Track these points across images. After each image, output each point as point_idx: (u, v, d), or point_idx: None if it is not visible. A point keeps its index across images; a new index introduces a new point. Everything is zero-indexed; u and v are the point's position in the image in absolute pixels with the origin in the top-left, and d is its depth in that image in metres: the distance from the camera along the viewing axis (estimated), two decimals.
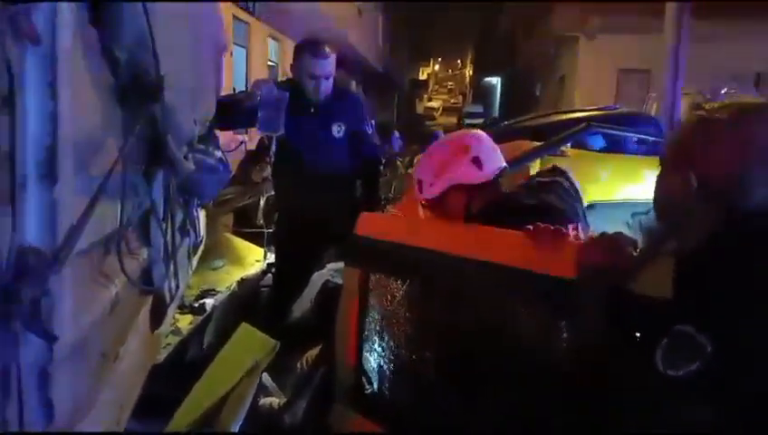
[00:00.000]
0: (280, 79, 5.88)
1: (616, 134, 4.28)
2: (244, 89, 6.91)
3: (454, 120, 36.02)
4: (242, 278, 3.35)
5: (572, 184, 1.75)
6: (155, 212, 1.32)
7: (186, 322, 3.14)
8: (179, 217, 1.61)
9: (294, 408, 1.93)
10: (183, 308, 3.22)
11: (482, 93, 40.21)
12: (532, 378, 1.31)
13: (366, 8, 20.77)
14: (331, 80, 2.65)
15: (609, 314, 1.06)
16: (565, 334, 1.25)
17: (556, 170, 1.80)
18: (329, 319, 1.86)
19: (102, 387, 1.07)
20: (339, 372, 1.75)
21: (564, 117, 5.69)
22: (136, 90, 0.99)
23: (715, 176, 0.94)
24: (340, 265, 2.87)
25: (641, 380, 0.91)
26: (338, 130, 2.71)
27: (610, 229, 1.19)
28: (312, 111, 2.65)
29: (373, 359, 1.69)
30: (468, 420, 1.47)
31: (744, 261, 0.89)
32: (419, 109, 42.83)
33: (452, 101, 56.53)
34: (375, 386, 1.69)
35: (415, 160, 5.45)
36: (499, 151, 1.73)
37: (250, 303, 3.04)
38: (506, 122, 6.67)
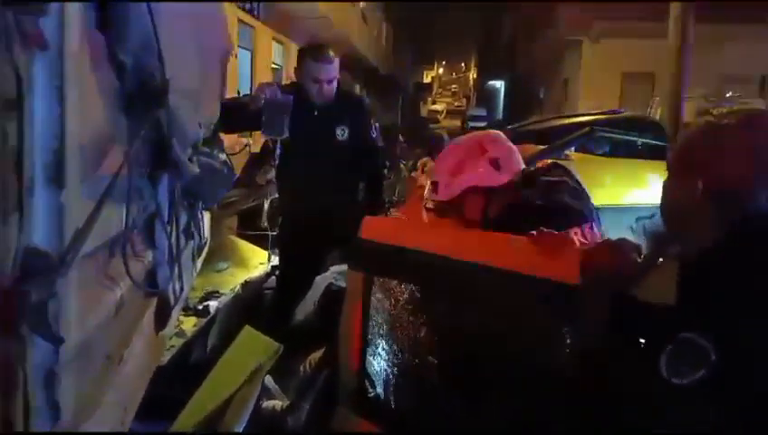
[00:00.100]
0: (284, 82, 5.90)
1: (620, 138, 4.28)
2: (248, 92, 6.94)
3: (458, 123, 36.00)
4: (246, 281, 3.35)
5: (578, 182, 1.73)
6: (160, 215, 1.32)
7: (190, 324, 3.14)
8: (184, 219, 1.62)
9: (297, 411, 1.93)
10: (187, 310, 3.22)
11: (485, 96, 40.21)
12: (536, 383, 1.31)
13: (370, 13, 20.81)
14: (335, 83, 2.65)
15: (613, 320, 1.06)
16: (568, 340, 1.25)
17: (558, 168, 1.77)
18: (332, 322, 1.86)
19: (107, 389, 1.07)
20: (342, 375, 1.75)
21: (568, 121, 5.70)
22: (142, 94, 1.00)
23: (722, 182, 0.94)
24: (344, 267, 2.88)
25: (645, 386, 0.90)
26: (342, 134, 2.72)
27: (615, 234, 1.19)
28: (316, 114, 2.66)
29: (376, 362, 1.69)
30: (471, 424, 1.47)
31: (750, 268, 0.89)
32: (423, 112, 42.84)
33: (456, 104, 56.55)
34: (378, 390, 1.69)
35: (419, 164, 5.45)
36: (518, 154, 1.69)
37: (254, 305, 3.05)
38: (510, 126, 6.68)
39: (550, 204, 1.58)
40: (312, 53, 2.64)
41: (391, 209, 4.41)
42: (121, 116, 1.01)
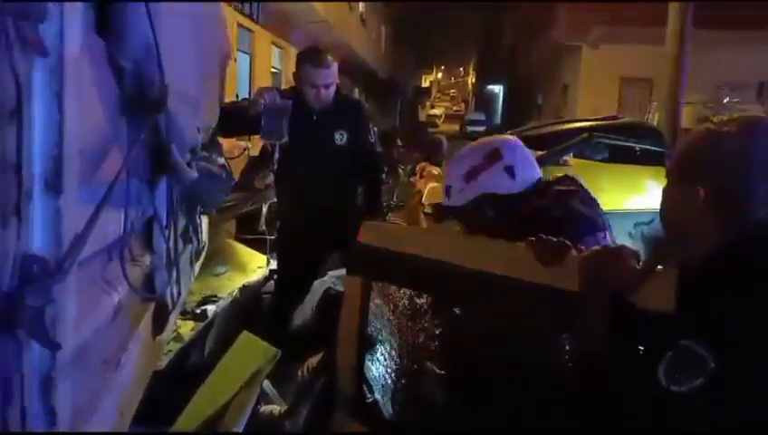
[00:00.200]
0: (283, 86, 5.91)
1: (618, 144, 4.29)
2: (247, 96, 6.93)
3: (456, 127, 36.09)
4: (244, 285, 3.35)
5: (587, 191, 1.70)
6: (158, 219, 1.32)
7: (188, 328, 3.14)
8: (182, 223, 1.62)
9: (295, 416, 1.93)
10: (185, 314, 3.23)
11: (484, 101, 40.36)
12: (536, 389, 1.31)
13: (369, 17, 20.87)
14: (333, 88, 2.66)
15: (612, 327, 1.05)
16: (567, 346, 1.25)
17: (568, 179, 1.72)
18: (330, 327, 1.86)
19: (104, 394, 1.07)
20: (340, 380, 1.75)
21: (567, 126, 5.71)
22: (141, 99, 1.00)
23: (723, 189, 0.94)
24: (342, 272, 2.87)
25: (644, 394, 0.90)
26: (340, 138, 2.72)
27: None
28: (315, 118, 2.67)
29: (375, 368, 1.69)
30: (469, 430, 1.47)
31: (749, 275, 0.89)
32: (422, 116, 42.94)
33: (454, 108, 56.68)
34: (376, 395, 1.69)
35: (417, 168, 5.46)
36: (534, 161, 1.64)
37: (252, 309, 3.04)
38: (509, 131, 6.69)
39: (563, 213, 1.54)
40: (310, 57, 2.65)
41: (389, 214, 4.42)
42: (121, 121, 1.01)
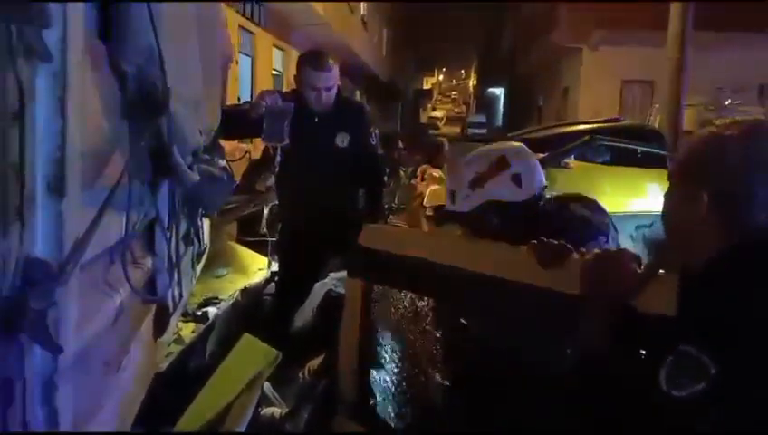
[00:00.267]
0: (284, 89, 5.92)
1: (619, 146, 4.29)
2: (249, 98, 6.94)
3: (457, 129, 36.07)
4: (245, 287, 3.36)
5: (593, 199, 1.70)
6: (160, 222, 1.33)
7: (189, 330, 3.14)
8: (183, 226, 1.62)
9: (296, 418, 1.93)
10: (186, 316, 3.23)
11: (485, 103, 40.37)
12: (536, 393, 1.31)
13: (371, 19, 20.89)
14: (334, 91, 2.66)
15: (613, 331, 1.05)
16: (568, 350, 1.25)
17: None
18: (331, 329, 1.86)
19: (105, 396, 1.07)
20: (341, 382, 1.75)
21: (568, 129, 5.71)
22: (143, 103, 1.01)
23: (726, 193, 0.93)
24: (343, 274, 2.87)
25: (644, 398, 0.90)
26: (342, 141, 2.73)
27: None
28: (317, 121, 2.67)
29: (376, 370, 1.70)
30: (471, 432, 1.47)
31: (751, 279, 0.89)
32: (423, 118, 42.95)
33: (456, 110, 56.68)
34: (377, 398, 1.69)
35: (418, 171, 5.46)
36: (540, 168, 1.64)
37: (253, 312, 3.05)
38: (510, 134, 6.69)
39: (565, 218, 1.55)
40: (310, 60, 2.65)
41: (390, 216, 4.42)
42: (123, 125, 1.02)
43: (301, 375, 2.29)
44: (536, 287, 1.27)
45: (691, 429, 0.85)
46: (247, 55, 10.63)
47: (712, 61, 11.08)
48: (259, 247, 4.39)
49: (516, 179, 1.57)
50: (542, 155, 3.56)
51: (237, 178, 2.85)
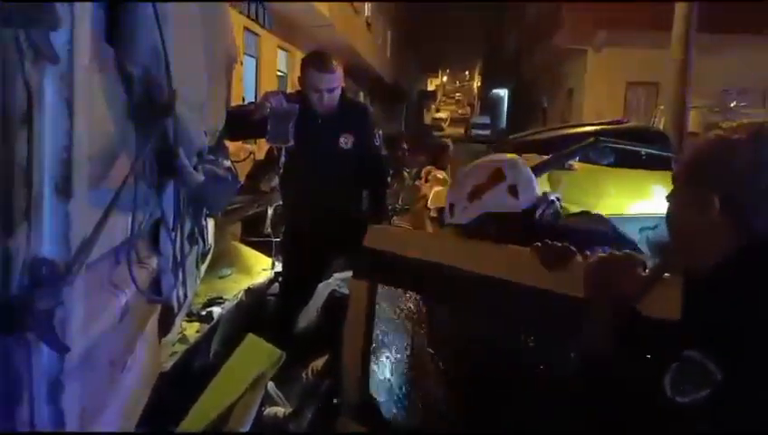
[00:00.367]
0: (289, 90, 5.92)
1: (624, 148, 4.28)
2: (253, 99, 6.95)
3: (461, 130, 36.07)
4: (249, 287, 3.36)
5: (600, 215, 1.72)
6: (165, 222, 1.33)
7: (193, 330, 3.15)
8: (188, 226, 1.63)
9: (300, 418, 1.94)
10: (191, 316, 3.24)
11: (489, 105, 40.33)
12: (540, 395, 1.31)
13: (375, 21, 20.91)
14: (337, 93, 2.66)
15: (617, 334, 1.05)
16: (572, 353, 1.25)
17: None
18: (335, 329, 1.87)
19: (111, 395, 1.08)
20: (345, 383, 1.75)
21: (572, 131, 5.70)
22: (149, 105, 1.01)
23: (737, 197, 0.92)
24: (347, 274, 2.88)
25: (648, 402, 0.90)
26: (345, 142, 2.73)
27: None
28: (321, 122, 2.67)
29: (380, 371, 1.70)
30: (474, 433, 1.47)
31: (757, 282, 0.88)
32: (427, 119, 42.93)
33: (460, 112, 56.67)
34: (381, 399, 1.69)
35: (422, 172, 5.47)
36: (536, 180, 1.68)
37: (257, 312, 3.05)
38: (514, 136, 6.69)
39: (567, 226, 1.57)
40: (313, 62, 2.65)
41: (394, 217, 4.42)
42: (129, 126, 1.02)
43: (304, 375, 2.29)
44: (540, 289, 1.26)
45: (695, 434, 0.84)
46: (252, 57, 10.66)
47: (717, 62, 11.04)
48: (263, 248, 4.40)
49: (513, 190, 1.61)
50: (546, 156, 3.56)
51: (242, 179, 2.86)
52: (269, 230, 4.59)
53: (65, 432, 0.82)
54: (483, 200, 1.61)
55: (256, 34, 10.89)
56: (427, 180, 5.19)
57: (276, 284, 3.28)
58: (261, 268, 4.19)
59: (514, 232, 1.56)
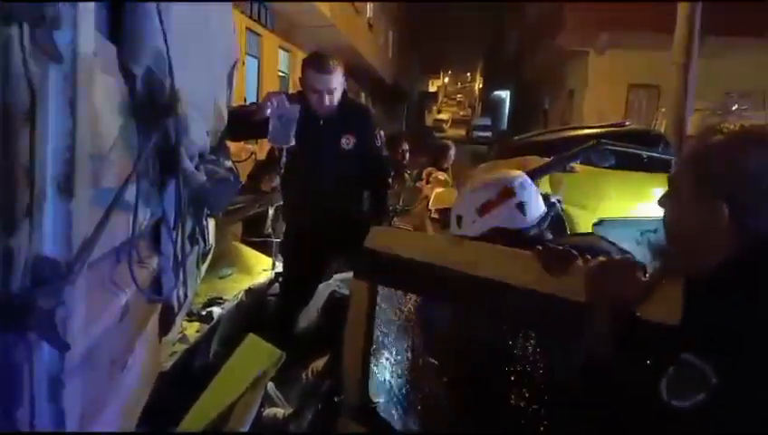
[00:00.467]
0: (291, 90, 5.93)
1: (625, 151, 4.28)
2: (255, 99, 6.95)
3: (462, 132, 36.09)
4: (249, 287, 3.36)
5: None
6: (166, 222, 1.33)
7: (193, 329, 3.15)
8: (189, 226, 1.63)
9: (300, 419, 1.94)
10: (191, 316, 3.23)
11: (491, 106, 40.33)
12: (540, 398, 1.31)
13: (377, 21, 20.92)
14: (336, 94, 2.66)
15: (617, 338, 1.05)
16: (573, 356, 1.25)
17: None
18: (335, 330, 1.86)
19: (111, 395, 1.08)
20: (345, 384, 1.75)
21: (574, 133, 5.70)
22: (151, 104, 1.02)
23: (744, 203, 0.91)
24: (347, 275, 2.88)
25: (648, 406, 0.89)
26: (346, 143, 2.73)
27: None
28: (322, 123, 2.68)
29: (380, 372, 1.70)
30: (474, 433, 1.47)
31: (757, 285, 0.88)
32: (428, 121, 42.93)
33: (461, 113, 56.70)
34: (382, 400, 1.69)
35: (423, 173, 5.46)
36: (540, 196, 1.76)
37: (257, 312, 3.05)
38: (517, 137, 6.68)
39: (572, 245, 1.59)
40: (312, 63, 2.65)
41: (395, 218, 4.42)
42: (131, 126, 1.02)
43: (304, 376, 2.29)
44: (541, 293, 1.26)
45: None
46: (254, 57, 10.68)
47: (719, 65, 11.04)
48: (264, 248, 4.40)
49: (521, 208, 1.68)
50: (547, 159, 3.55)
51: (243, 179, 2.86)
52: (270, 230, 4.58)
53: (65, 432, 0.82)
54: (492, 215, 1.68)
55: (258, 35, 10.90)
56: (428, 182, 5.19)
57: (277, 284, 3.28)
58: (261, 268, 4.18)
59: (521, 245, 1.59)
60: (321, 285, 2.98)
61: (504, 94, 35.80)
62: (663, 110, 9.42)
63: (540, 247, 1.31)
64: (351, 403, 1.72)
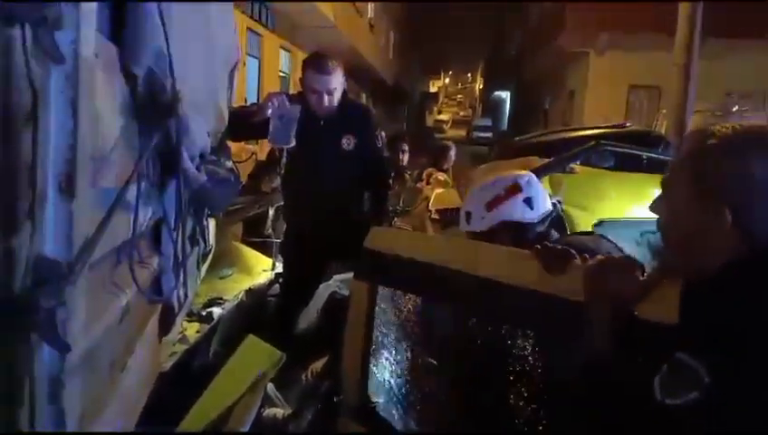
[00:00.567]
0: (291, 91, 5.93)
1: (625, 152, 4.28)
2: (256, 100, 6.95)
3: (463, 132, 36.09)
4: (249, 288, 3.36)
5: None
6: (166, 222, 1.34)
7: (193, 330, 3.15)
8: (190, 226, 1.63)
9: (299, 420, 1.94)
10: (191, 316, 3.24)
11: (491, 107, 40.37)
12: (540, 398, 1.31)
13: (378, 22, 20.94)
14: (336, 94, 2.66)
15: (615, 337, 1.05)
16: (572, 356, 1.25)
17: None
18: (335, 330, 1.87)
19: (111, 395, 1.08)
20: (345, 385, 1.75)
21: (574, 134, 5.70)
22: (153, 105, 1.02)
23: (747, 206, 0.90)
24: (347, 275, 2.88)
25: (645, 405, 0.90)
26: (347, 143, 2.73)
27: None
28: (322, 123, 2.68)
29: (380, 373, 1.70)
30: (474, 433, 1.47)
31: (756, 287, 0.88)
32: (429, 121, 42.93)
33: (461, 114, 56.72)
34: (381, 401, 1.69)
35: (424, 174, 5.46)
36: (546, 193, 1.83)
37: (257, 312, 3.06)
38: (517, 138, 6.68)
39: (575, 244, 1.60)
40: (311, 63, 2.65)
41: (395, 219, 4.42)
42: (132, 126, 1.03)
43: (304, 377, 2.29)
44: (541, 292, 1.26)
45: None
46: (255, 57, 10.69)
47: (720, 67, 11.04)
48: (264, 248, 4.40)
49: (529, 202, 1.75)
50: (547, 159, 3.56)
51: (243, 180, 2.86)
52: (270, 231, 4.59)
53: (65, 432, 0.82)
54: (500, 210, 1.74)
55: (259, 35, 10.91)
56: (428, 182, 5.19)
57: (277, 285, 3.28)
58: (261, 269, 4.18)
59: (528, 241, 1.65)
60: (321, 286, 2.98)
61: (505, 95, 35.82)
62: (664, 111, 9.41)
63: (539, 246, 1.31)
64: (351, 403, 1.72)
